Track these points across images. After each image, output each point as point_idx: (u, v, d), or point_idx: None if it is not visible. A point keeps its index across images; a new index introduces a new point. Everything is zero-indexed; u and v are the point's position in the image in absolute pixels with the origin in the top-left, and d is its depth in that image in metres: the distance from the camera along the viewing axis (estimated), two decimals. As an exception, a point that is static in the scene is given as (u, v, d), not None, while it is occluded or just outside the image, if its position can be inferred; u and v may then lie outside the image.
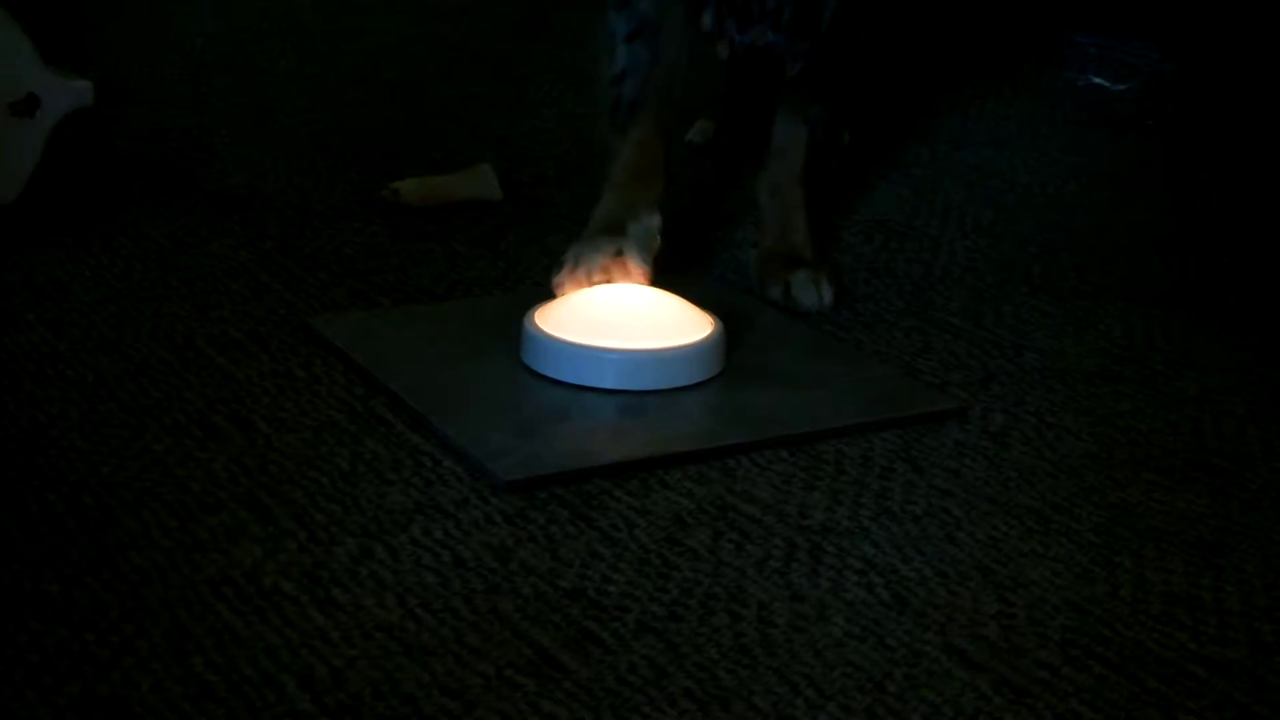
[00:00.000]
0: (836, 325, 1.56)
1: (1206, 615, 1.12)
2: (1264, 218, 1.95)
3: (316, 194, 1.85)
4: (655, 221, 1.57)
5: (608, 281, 1.48)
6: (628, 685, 1.01)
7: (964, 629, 1.08)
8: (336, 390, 1.38)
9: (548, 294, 1.47)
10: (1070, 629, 1.09)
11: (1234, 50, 2.48)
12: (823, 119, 1.62)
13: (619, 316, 1.40)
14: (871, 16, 1.65)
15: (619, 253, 1.51)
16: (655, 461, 1.28)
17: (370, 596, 1.09)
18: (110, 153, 1.95)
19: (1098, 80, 2.49)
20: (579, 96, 2.20)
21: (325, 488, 1.22)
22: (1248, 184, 2.07)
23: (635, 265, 1.50)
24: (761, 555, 1.16)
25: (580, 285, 1.48)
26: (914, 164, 2.06)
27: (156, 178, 1.88)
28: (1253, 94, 2.44)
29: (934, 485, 1.27)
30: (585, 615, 1.08)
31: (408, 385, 1.37)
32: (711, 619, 1.08)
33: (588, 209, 1.81)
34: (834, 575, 1.14)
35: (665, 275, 1.52)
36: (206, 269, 1.62)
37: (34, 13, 1.91)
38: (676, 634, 1.06)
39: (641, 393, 1.38)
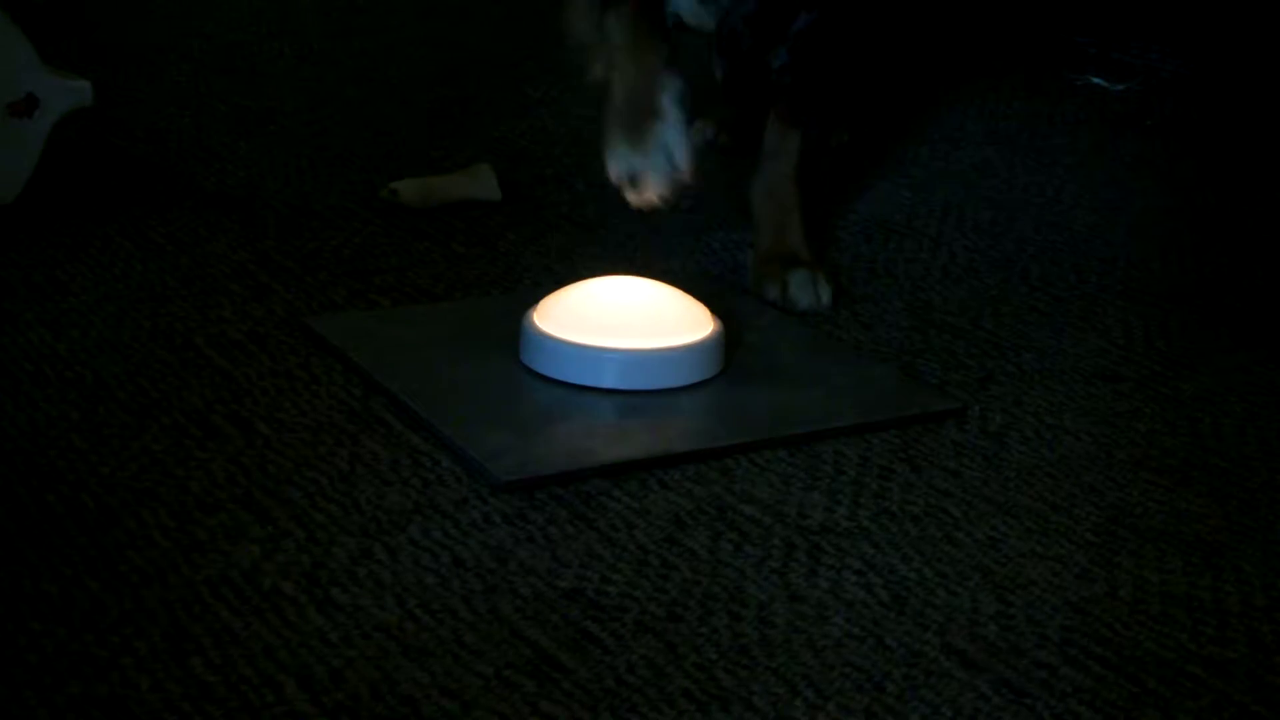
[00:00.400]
0: (835, 325, 1.56)
1: (1206, 615, 1.12)
2: (1264, 218, 1.95)
3: (315, 194, 1.85)
4: (675, 88, 1.47)
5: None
6: (626, 685, 1.01)
7: (963, 629, 1.08)
8: (335, 390, 1.38)
9: (546, 294, 1.46)
10: (1069, 629, 1.09)
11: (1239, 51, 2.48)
12: (817, 118, 1.62)
13: (618, 316, 1.40)
14: (865, 16, 1.65)
15: (653, 167, 1.46)
16: (654, 461, 1.28)
17: (369, 597, 1.09)
18: (109, 153, 1.95)
19: (1097, 80, 2.49)
20: (578, 97, 2.20)
21: (324, 488, 1.22)
22: (1247, 184, 2.07)
23: (672, 177, 1.45)
24: (760, 555, 1.16)
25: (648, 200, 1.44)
26: (913, 163, 2.06)
27: (155, 178, 1.88)
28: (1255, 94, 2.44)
29: (933, 485, 1.27)
30: (584, 616, 1.08)
31: (407, 385, 1.37)
32: (710, 619, 1.08)
33: (587, 209, 1.82)
34: (833, 575, 1.14)
35: (663, 277, 1.51)
36: (205, 269, 1.62)
37: (33, 13, 1.91)
38: (675, 634, 1.06)
39: (641, 392, 1.38)
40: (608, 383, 1.38)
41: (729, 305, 1.52)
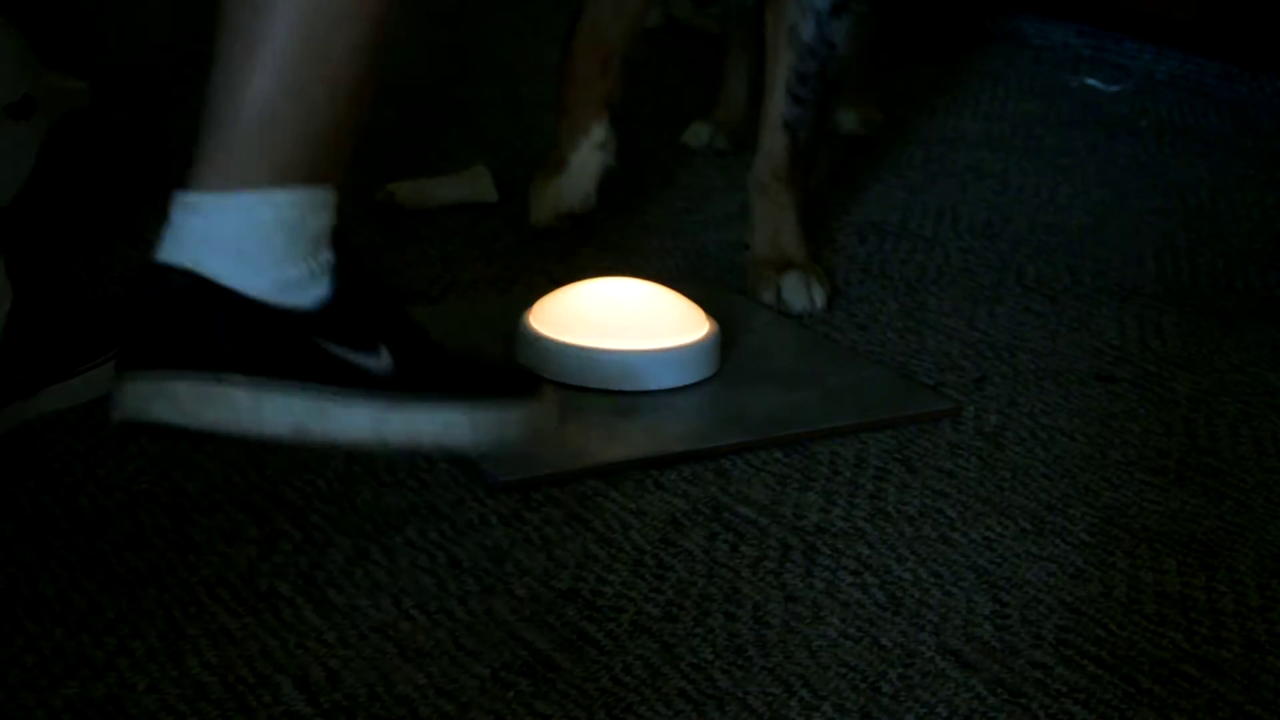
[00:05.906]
0: (830, 326, 1.57)
1: (1200, 615, 1.12)
2: (1257, 218, 1.95)
3: (312, 196, 1.84)
4: (598, 136, 1.66)
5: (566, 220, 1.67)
6: (623, 686, 1.01)
7: (958, 629, 1.09)
8: (332, 392, 1.38)
9: (542, 295, 1.47)
10: (1064, 629, 1.09)
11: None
12: (806, 121, 1.62)
13: (614, 317, 1.40)
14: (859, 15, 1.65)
15: (559, 207, 1.65)
16: (650, 462, 1.28)
17: (365, 598, 1.09)
18: (105, 154, 1.95)
19: (1091, 81, 2.49)
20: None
21: (321, 489, 1.22)
22: (1241, 184, 2.07)
23: (571, 204, 1.63)
24: (756, 556, 1.16)
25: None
26: (908, 165, 2.06)
27: (152, 179, 1.88)
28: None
29: (928, 486, 1.28)
30: (580, 616, 1.08)
31: (403, 387, 1.37)
32: (706, 620, 1.08)
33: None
34: (828, 576, 1.14)
35: (658, 279, 1.52)
36: (202, 271, 1.62)
37: (30, 14, 1.91)
38: (671, 635, 1.06)
39: (636, 393, 1.38)
40: (603, 384, 1.38)
41: (724, 307, 1.53)
